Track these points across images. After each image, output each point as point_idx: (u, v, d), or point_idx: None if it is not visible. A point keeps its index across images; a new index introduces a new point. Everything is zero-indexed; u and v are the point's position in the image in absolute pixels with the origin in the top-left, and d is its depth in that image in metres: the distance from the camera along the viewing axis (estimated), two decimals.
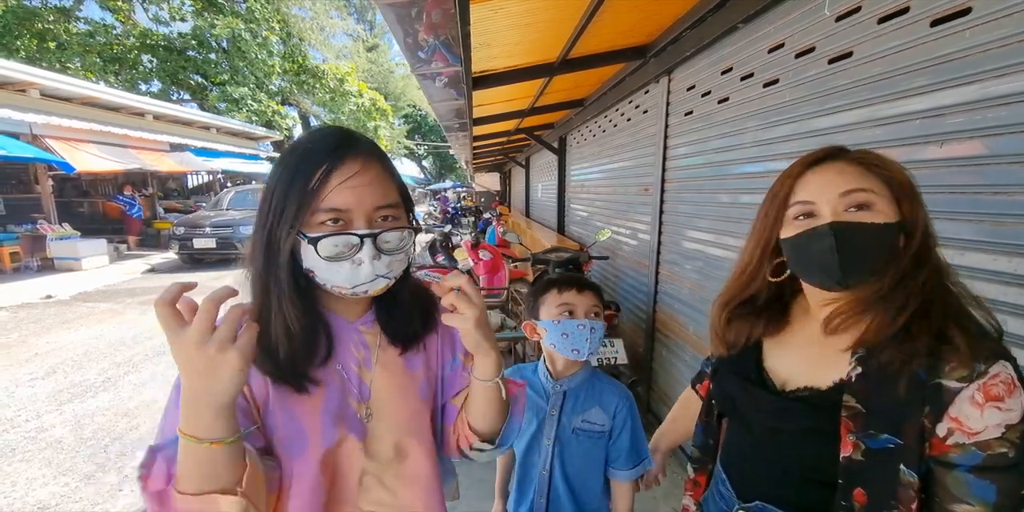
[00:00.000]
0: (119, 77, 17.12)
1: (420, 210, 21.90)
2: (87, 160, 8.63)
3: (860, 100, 1.51)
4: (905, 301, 0.66)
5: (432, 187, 31.51)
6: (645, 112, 3.31)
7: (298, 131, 26.00)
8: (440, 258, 7.14)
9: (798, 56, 1.78)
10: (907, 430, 0.63)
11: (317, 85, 18.96)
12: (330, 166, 0.67)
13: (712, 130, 2.39)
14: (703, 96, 2.49)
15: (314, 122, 27.94)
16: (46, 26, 15.42)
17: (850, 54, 1.54)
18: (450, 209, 18.85)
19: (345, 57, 23.45)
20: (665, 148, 2.94)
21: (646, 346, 3.23)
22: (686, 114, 2.68)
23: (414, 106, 30.85)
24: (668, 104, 2.90)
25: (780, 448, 0.78)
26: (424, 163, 47.92)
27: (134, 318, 5.92)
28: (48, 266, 8.81)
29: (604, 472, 1.24)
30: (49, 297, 7.11)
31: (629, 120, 3.65)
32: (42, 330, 5.40)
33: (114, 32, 16.71)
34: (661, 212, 3.01)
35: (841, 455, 0.67)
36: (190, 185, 16.46)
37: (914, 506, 0.62)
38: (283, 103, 19.64)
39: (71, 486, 2.62)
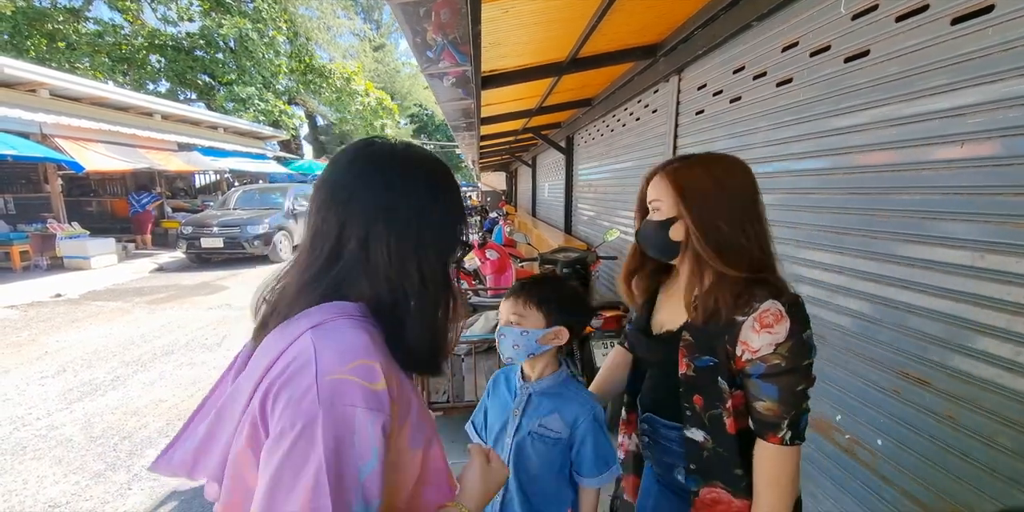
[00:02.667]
0: (127, 77, 17.25)
1: None
2: (96, 160, 8.69)
3: (877, 100, 1.49)
4: (700, 268, 0.93)
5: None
6: (654, 111, 3.29)
7: (304, 131, 26.15)
8: None
9: (813, 55, 1.76)
10: (719, 352, 0.89)
11: (324, 84, 19.00)
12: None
13: (723, 129, 2.38)
14: (714, 95, 2.47)
15: (320, 122, 28.09)
16: (56, 26, 15.55)
17: (867, 53, 1.53)
18: None
19: (351, 57, 23.50)
20: (675, 147, 2.92)
21: None
22: (697, 113, 2.66)
23: (420, 105, 30.89)
24: (678, 103, 2.88)
25: (656, 375, 1.09)
26: None
27: (142, 317, 5.95)
28: (57, 265, 8.88)
29: (565, 479, 1.23)
30: (59, 296, 7.17)
31: (638, 119, 3.63)
32: (52, 329, 5.44)
33: (122, 32, 16.83)
34: None
35: (679, 372, 0.94)
36: (197, 184, 16.56)
37: (729, 405, 0.89)
38: (290, 103, 19.71)
39: (81, 484, 2.64)
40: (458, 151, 21.57)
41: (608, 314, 2.90)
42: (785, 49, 1.91)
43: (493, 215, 9.87)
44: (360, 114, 19.89)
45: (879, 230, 1.49)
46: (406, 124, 31.70)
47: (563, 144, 6.13)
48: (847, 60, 1.60)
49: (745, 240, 0.93)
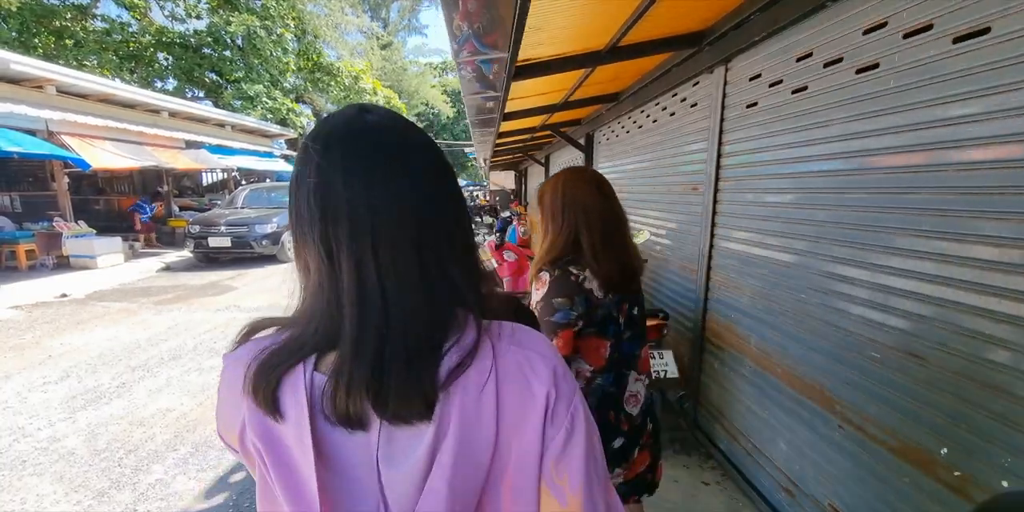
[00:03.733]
0: (135, 74, 17.15)
1: None
2: (103, 157, 8.56)
3: (999, 85, 1.28)
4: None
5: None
6: (693, 105, 3.08)
7: (311, 129, 25.98)
8: None
9: (907, 36, 1.54)
10: None
11: (332, 83, 18.86)
12: None
13: (782, 123, 2.16)
14: (771, 86, 2.26)
15: None
16: (63, 24, 15.46)
17: (986, 30, 1.31)
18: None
19: (359, 55, 23.36)
20: (720, 143, 2.71)
21: (693, 357, 3.01)
22: (748, 106, 2.45)
23: (427, 104, 30.71)
24: (724, 96, 2.67)
25: None
26: None
27: (149, 319, 5.79)
28: (64, 264, 8.75)
29: None
30: (64, 296, 7.03)
31: (672, 114, 3.42)
32: (56, 331, 5.28)
33: (130, 30, 16.74)
34: (714, 213, 2.78)
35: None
36: (205, 183, 16.46)
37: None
38: (297, 101, 19.57)
39: (84, 504, 2.46)
40: (467, 149, 21.39)
41: (650, 323, 2.69)
42: (869, 31, 1.69)
43: (505, 214, 9.66)
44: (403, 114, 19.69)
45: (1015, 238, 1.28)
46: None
47: (583, 142, 5.92)
48: (956, 41, 1.39)
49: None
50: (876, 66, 1.66)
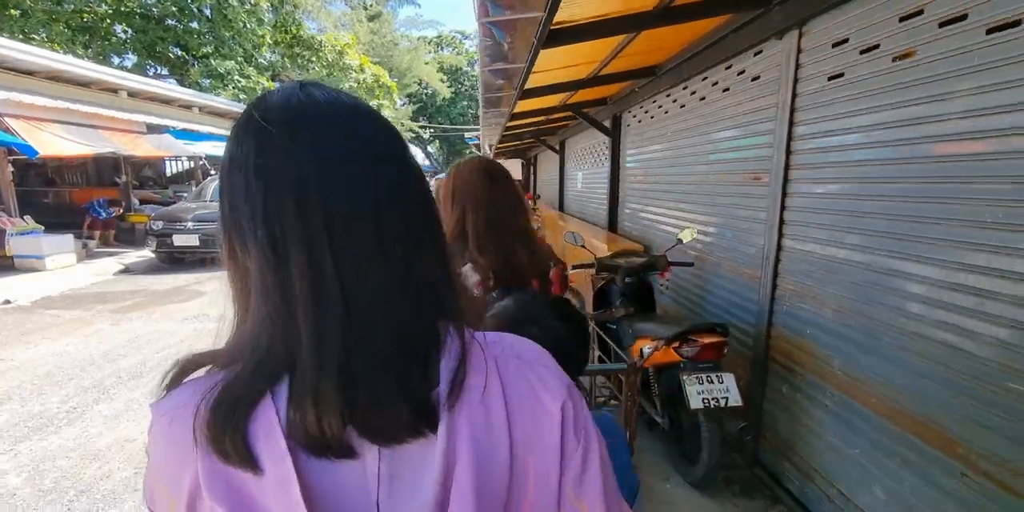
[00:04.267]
0: (89, 49, 17.03)
1: None
2: (52, 143, 8.41)
3: None
4: None
5: (441, 176, 31.23)
6: (755, 79, 2.91)
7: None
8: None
9: None
10: None
11: (313, 58, 18.74)
12: None
13: (881, 97, 1.99)
14: (863, 53, 2.09)
15: None
16: None
17: None
18: None
19: (344, 27, 23.25)
20: (791, 124, 2.54)
21: (754, 380, 2.84)
22: (831, 78, 2.28)
23: (420, 83, 30.59)
24: (797, 66, 2.50)
25: None
26: (430, 148, 47.71)
27: (105, 330, 5.64)
28: (7, 266, 8.62)
29: None
30: (7, 302, 6.89)
31: (726, 91, 3.25)
32: None
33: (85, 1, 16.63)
34: (782, 208, 2.61)
35: None
36: (169, 172, 16.33)
37: None
38: (274, 79, 19.45)
39: None
40: (467, 135, 21.24)
41: (706, 340, 2.52)
42: None
43: None
44: (353, 93, 19.54)
45: None
46: (404, 104, 31.42)
47: (608, 124, 5.76)
48: None
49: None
50: (1017, 23, 1.49)
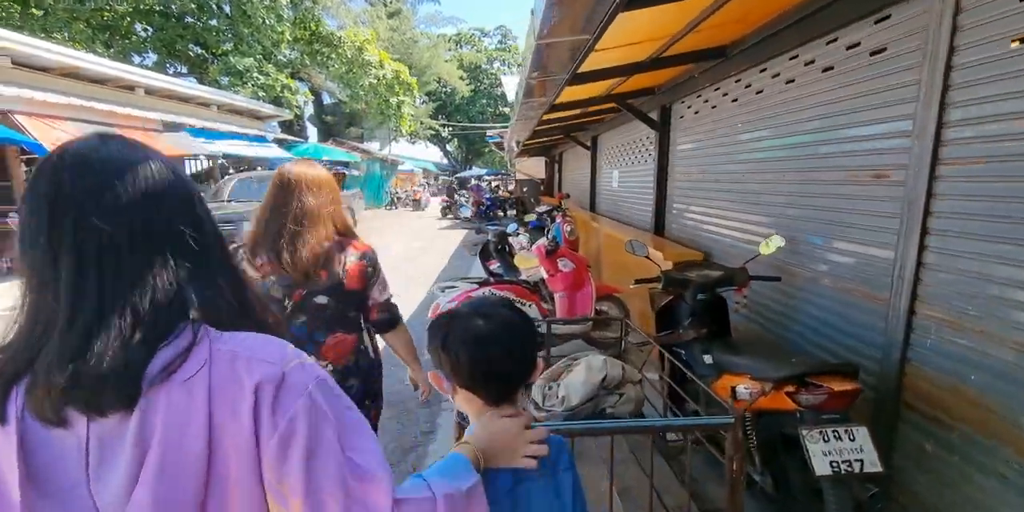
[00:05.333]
0: (111, 49, 16.81)
1: (440, 201, 21.15)
2: (62, 141, 8.04)
3: None
4: None
5: (461, 175, 30.74)
6: (876, 53, 2.33)
7: (309, 110, 25.59)
8: (495, 265, 6.26)
9: None
10: None
11: (332, 55, 18.31)
12: None
13: None
14: None
15: (327, 100, 27.52)
16: None
17: None
18: (484, 200, 18.03)
19: (363, 24, 22.83)
20: (942, 107, 1.96)
21: (881, 432, 2.26)
22: (1020, 41, 1.69)
23: (439, 81, 30.09)
24: (954, 31, 1.92)
25: None
26: (448, 147, 47.29)
27: None
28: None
29: None
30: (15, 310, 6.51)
31: (828, 70, 2.67)
32: None
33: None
34: (926, 213, 2.03)
35: None
36: (189, 171, 16.04)
37: None
38: (293, 76, 19.12)
39: None
40: (489, 133, 20.72)
41: (835, 387, 1.95)
42: None
43: (542, 209, 8.91)
44: (374, 89, 19.16)
45: None
46: (424, 102, 30.93)
47: (655, 117, 5.18)
48: None
49: None
50: None
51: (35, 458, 0.58)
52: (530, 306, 4.32)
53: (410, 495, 0.69)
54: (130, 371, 0.58)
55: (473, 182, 24.08)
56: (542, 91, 3.57)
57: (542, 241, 4.70)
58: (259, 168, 15.18)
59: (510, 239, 6.48)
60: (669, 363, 2.87)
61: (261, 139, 15.58)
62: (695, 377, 2.43)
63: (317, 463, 0.61)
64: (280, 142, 17.03)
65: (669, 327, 3.11)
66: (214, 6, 16.57)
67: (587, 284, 4.55)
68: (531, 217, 6.84)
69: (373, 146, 27.31)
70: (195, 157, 14.11)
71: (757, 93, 3.39)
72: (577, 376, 2.61)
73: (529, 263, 5.62)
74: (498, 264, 6.14)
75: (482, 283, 4.33)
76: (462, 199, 18.95)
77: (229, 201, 9.82)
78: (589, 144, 8.90)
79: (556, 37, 2.29)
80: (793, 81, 2.99)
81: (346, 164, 19.07)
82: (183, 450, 0.58)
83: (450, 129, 36.42)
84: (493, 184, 26.75)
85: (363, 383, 1.84)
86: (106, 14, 16.52)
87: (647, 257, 3.07)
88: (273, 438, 0.61)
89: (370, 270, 1.79)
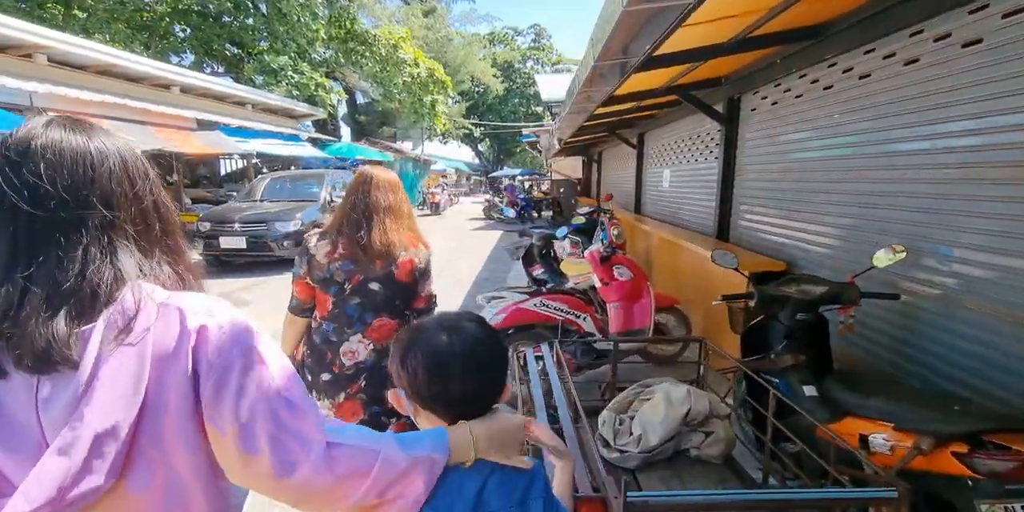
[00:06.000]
0: (149, 49, 16.97)
1: (474, 200, 20.67)
2: None
3: None
4: None
5: (494, 174, 30.40)
6: None
7: (343, 109, 25.59)
8: (538, 270, 5.83)
9: None
10: None
11: (367, 53, 18.15)
12: None
13: None
14: None
15: (360, 100, 27.52)
16: None
17: None
18: (519, 200, 17.63)
19: (398, 23, 22.71)
20: None
21: None
22: None
23: (473, 79, 29.82)
24: None
25: None
26: (480, 147, 47.08)
27: None
28: None
29: None
30: None
31: (970, 45, 2.17)
32: None
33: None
34: None
35: None
36: (223, 171, 16.06)
37: None
38: (328, 75, 19.05)
39: None
40: (525, 131, 20.32)
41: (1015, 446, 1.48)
42: None
43: (583, 211, 8.43)
44: (407, 87, 18.95)
45: None
46: (456, 101, 30.68)
47: (721, 109, 4.70)
48: None
49: None
50: None
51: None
52: (584, 319, 3.89)
53: (350, 442, 0.75)
54: (55, 336, 0.64)
55: (507, 182, 23.68)
56: (603, 80, 3.15)
57: (596, 246, 4.25)
58: (292, 167, 15.08)
59: (555, 243, 6.05)
60: (759, 394, 2.41)
61: (295, 138, 15.48)
62: (813, 418, 1.96)
63: (251, 395, 0.69)
64: (314, 141, 16.93)
65: (756, 350, 2.65)
66: (250, 4, 16.57)
67: (645, 294, 4.10)
68: (578, 220, 6.38)
69: (406, 146, 27.18)
70: (229, 156, 14.07)
71: (862, 78, 2.89)
72: (655, 411, 2.19)
73: (577, 269, 5.18)
74: (543, 270, 5.71)
75: (532, 293, 3.91)
76: (498, 200, 18.59)
77: (261, 201, 9.63)
78: (635, 142, 8.41)
79: (640, 5, 1.86)
80: (916, 61, 2.49)
81: (379, 163, 18.92)
82: (121, 385, 0.65)
83: (482, 129, 36.16)
84: (526, 184, 26.37)
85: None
86: (146, 14, 16.68)
87: (736, 269, 2.61)
88: (211, 375, 0.69)
89: (420, 267, 2.00)
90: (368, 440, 0.76)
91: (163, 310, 0.69)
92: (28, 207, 0.66)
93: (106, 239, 0.71)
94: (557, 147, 8.71)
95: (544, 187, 23.19)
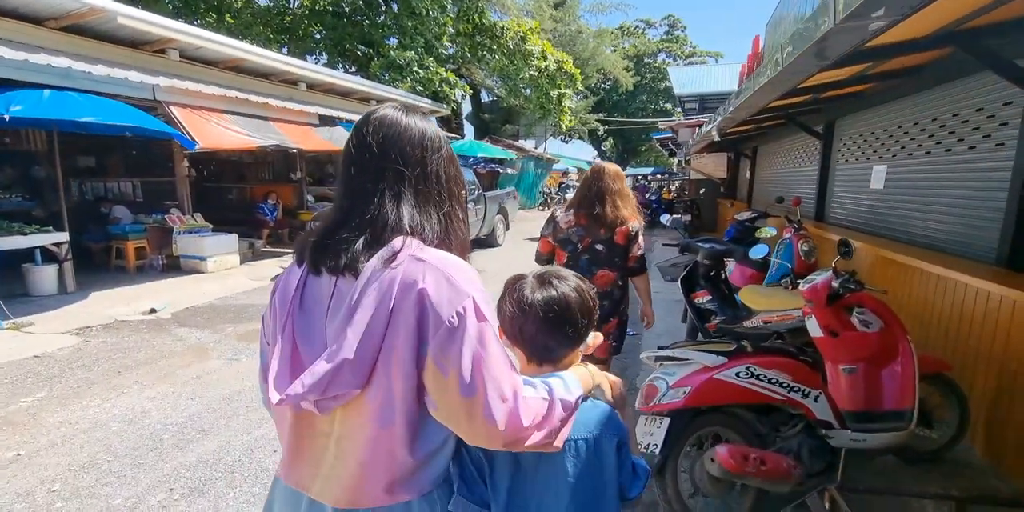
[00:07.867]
0: (285, 50, 17.47)
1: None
2: (212, 134, 7.60)
3: None
4: None
5: (629, 172, 28.59)
6: None
7: (467, 107, 25.26)
8: (703, 298, 4.35)
9: None
10: None
11: (494, 46, 17.40)
12: None
13: None
14: None
15: (485, 97, 27.10)
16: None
17: None
18: (651, 203, 15.93)
19: (527, 15, 21.85)
20: None
21: None
22: None
23: (601, 71, 28.23)
24: None
25: None
26: (603, 146, 45.33)
27: (217, 370, 4.25)
28: (174, 265, 8.08)
29: None
30: (152, 312, 6.03)
31: None
32: (82, 387, 3.92)
33: (286, 3, 17.10)
34: None
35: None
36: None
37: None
38: (456, 72, 18.59)
39: None
40: (661, 125, 18.55)
41: None
42: None
43: (742, 216, 6.74)
44: (534, 82, 17.96)
45: None
46: (583, 97, 29.26)
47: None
48: None
49: None
50: None
51: (306, 291, 0.94)
52: (817, 398, 2.44)
53: (531, 394, 0.91)
54: (353, 253, 0.88)
55: (638, 181, 21.92)
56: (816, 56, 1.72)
57: (819, 276, 2.76)
58: None
59: (727, 263, 4.58)
60: None
61: None
62: None
63: (472, 347, 0.84)
64: None
65: None
66: (381, 1, 16.44)
67: (904, 355, 2.57)
68: (765, 233, 4.83)
69: (528, 144, 26.32)
70: None
71: None
72: None
73: (768, 302, 3.68)
74: (709, 298, 4.24)
75: (733, 355, 2.48)
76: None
77: None
78: (822, 130, 6.61)
79: None
80: None
81: (500, 162, 18.13)
82: (376, 317, 0.83)
83: (607, 126, 34.45)
84: (648, 182, 24.40)
85: (611, 304, 2.77)
86: (287, 18, 17.18)
87: None
88: (440, 324, 0.83)
89: (632, 235, 2.74)
90: (542, 391, 0.94)
91: (412, 260, 0.87)
92: (357, 156, 0.95)
93: (396, 189, 0.93)
94: (715, 138, 7.10)
95: (673, 187, 21.19)
